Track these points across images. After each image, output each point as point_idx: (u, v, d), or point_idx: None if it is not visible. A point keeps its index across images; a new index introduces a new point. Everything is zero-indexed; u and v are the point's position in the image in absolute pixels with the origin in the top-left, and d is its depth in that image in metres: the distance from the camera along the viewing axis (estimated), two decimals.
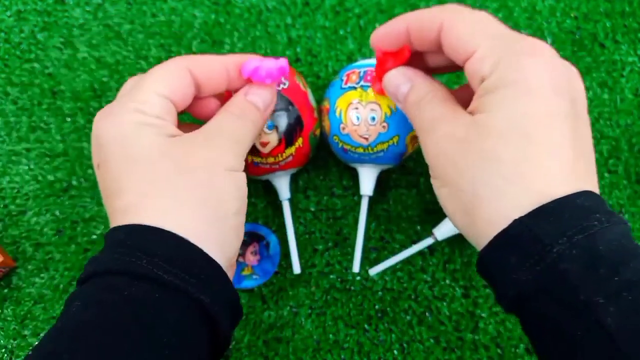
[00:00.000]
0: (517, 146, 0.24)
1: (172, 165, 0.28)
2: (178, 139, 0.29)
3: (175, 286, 0.25)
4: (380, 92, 0.37)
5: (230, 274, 0.29)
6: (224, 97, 0.37)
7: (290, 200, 0.43)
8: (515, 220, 0.23)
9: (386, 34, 0.31)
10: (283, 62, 0.35)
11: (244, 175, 0.30)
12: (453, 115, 0.27)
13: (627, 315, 0.21)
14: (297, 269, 0.41)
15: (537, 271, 0.22)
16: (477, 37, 0.26)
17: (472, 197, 0.25)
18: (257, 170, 0.39)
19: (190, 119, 0.35)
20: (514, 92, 0.24)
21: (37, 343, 0.24)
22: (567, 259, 0.22)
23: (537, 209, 0.23)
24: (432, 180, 0.29)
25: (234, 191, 0.29)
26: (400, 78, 0.31)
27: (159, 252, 0.25)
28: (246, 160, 0.38)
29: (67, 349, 0.23)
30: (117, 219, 0.27)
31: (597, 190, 0.25)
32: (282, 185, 0.41)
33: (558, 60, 0.25)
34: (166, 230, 0.26)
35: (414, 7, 0.49)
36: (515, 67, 0.24)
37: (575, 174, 0.24)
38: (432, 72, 0.33)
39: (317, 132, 0.41)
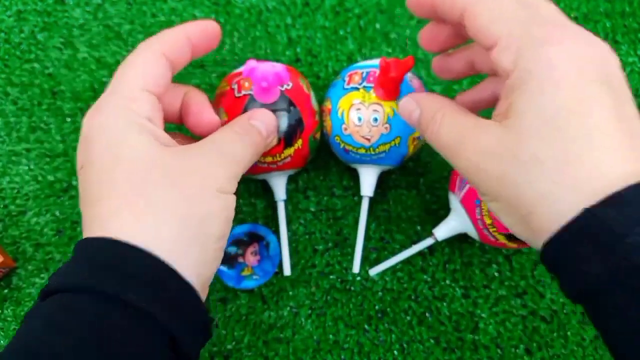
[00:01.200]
0: (555, 144, 0.22)
1: (160, 175, 0.26)
2: (171, 148, 0.27)
3: (144, 312, 0.23)
4: (383, 98, 0.37)
5: (203, 296, 0.28)
6: (221, 102, 0.37)
7: (286, 202, 0.44)
8: (584, 210, 0.21)
9: (418, 4, 0.29)
10: (280, 67, 0.35)
11: (234, 198, 0.29)
12: (476, 127, 0.26)
13: None
14: (287, 271, 0.42)
15: (609, 263, 0.21)
16: (498, 25, 0.24)
17: (523, 207, 0.24)
18: (253, 169, 0.39)
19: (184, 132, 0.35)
20: (539, 88, 0.23)
21: None
22: None
23: (606, 198, 0.21)
24: (481, 196, 0.27)
25: (221, 214, 0.28)
26: (410, 104, 0.31)
27: (130, 272, 0.24)
28: None
29: None
30: (92, 228, 0.26)
31: None
32: (279, 185, 0.41)
33: (582, 40, 0.23)
34: (141, 249, 0.24)
35: None
36: (537, 58, 0.23)
37: (633, 155, 0.22)
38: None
39: (317, 135, 0.41)
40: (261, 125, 0.32)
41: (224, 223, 0.28)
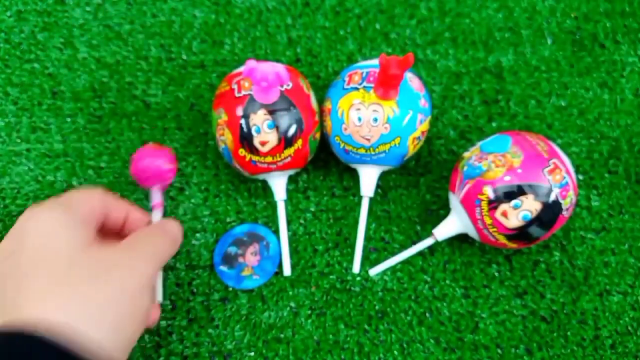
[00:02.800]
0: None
1: (84, 268, 0.28)
2: (100, 246, 0.31)
3: None
4: (383, 97, 0.37)
5: None
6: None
7: (286, 202, 0.44)
8: None
9: None
10: (280, 67, 0.35)
11: (150, 298, 0.31)
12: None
13: None
14: (287, 271, 0.42)
15: None
16: None
17: None
18: (254, 169, 0.39)
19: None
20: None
21: None
22: None
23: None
24: None
25: (142, 303, 0.30)
26: None
27: None
28: (244, 158, 0.38)
29: None
30: (14, 310, 0.27)
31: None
32: (279, 185, 0.41)
33: None
34: (52, 343, 0.25)
35: (413, 7, 0.49)
36: None
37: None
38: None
39: (317, 135, 0.41)
40: (174, 229, 0.36)
41: (143, 314, 0.30)
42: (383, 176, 0.44)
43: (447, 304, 0.42)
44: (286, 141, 0.38)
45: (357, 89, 0.38)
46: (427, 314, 0.41)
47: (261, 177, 0.41)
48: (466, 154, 0.39)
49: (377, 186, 0.44)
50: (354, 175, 0.45)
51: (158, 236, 0.34)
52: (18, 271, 0.28)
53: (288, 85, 0.38)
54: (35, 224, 0.30)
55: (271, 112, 0.37)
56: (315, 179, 0.45)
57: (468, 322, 0.41)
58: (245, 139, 0.38)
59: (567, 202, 0.36)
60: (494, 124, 0.46)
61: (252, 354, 0.40)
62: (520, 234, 0.36)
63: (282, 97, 0.37)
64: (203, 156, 0.45)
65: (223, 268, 0.42)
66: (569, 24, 0.49)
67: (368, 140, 0.38)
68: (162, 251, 0.34)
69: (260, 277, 0.42)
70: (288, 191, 0.44)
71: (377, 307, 0.42)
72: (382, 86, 0.36)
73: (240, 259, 0.42)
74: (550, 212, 0.35)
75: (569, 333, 0.41)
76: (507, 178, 0.35)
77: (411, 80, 0.38)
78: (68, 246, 0.29)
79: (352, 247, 0.43)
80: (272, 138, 0.37)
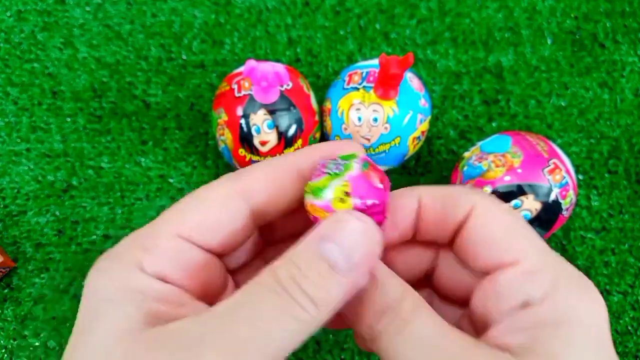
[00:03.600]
0: None
1: None
2: (155, 331, 0.17)
3: None
4: (383, 97, 0.37)
5: None
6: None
7: None
8: None
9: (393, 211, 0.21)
10: (280, 67, 0.35)
11: None
12: (473, 351, 0.18)
13: None
14: None
15: None
16: (521, 243, 0.19)
17: None
18: None
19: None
20: (583, 338, 0.18)
21: None
22: None
23: None
24: None
25: None
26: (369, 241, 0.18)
27: None
28: (244, 158, 0.38)
29: None
30: None
31: None
32: None
33: (602, 303, 0.19)
34: None
35: (413, 7, 0.49)
36: (583, 302, 0.18)
37: None
38: None
39: (317, 135, 0.41)
40: (336, 254, 0.18)
41: None
42: None
43: None
44: (286, 141, 0.38)
45: (357, 89, 0.38)
46: None
47: None
48: (466, 154, 0.39)
49: None
50: None
51: (279, 314, 0.18)
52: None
53: (288, 85, 0.38)
54: (87, 295, 0.19)
55: (271, 112, 0.37)
56: None
57: None
58: (245, 138, 0.38)
59: (567, 202, 0.36)
60: (494, 124, 0.46)
61: None
62: None
63: (282, 97, 0.37)
64: (203, 156, 0.45)
65: None
66: (569, 24, 0.49)
67: (368, 140, 0.38)
68: (282, 342, 0.17)
69: None
70: None
71: None
72: (382, 86, 0.36)
73: None
74: (550, 212, 0.35)
75: None
76: (507, 178, 0.35)
77: (411, 80, 0.38)
78: (106, 336, 0.17)
79: None
80: (272, 138, 0.37)
